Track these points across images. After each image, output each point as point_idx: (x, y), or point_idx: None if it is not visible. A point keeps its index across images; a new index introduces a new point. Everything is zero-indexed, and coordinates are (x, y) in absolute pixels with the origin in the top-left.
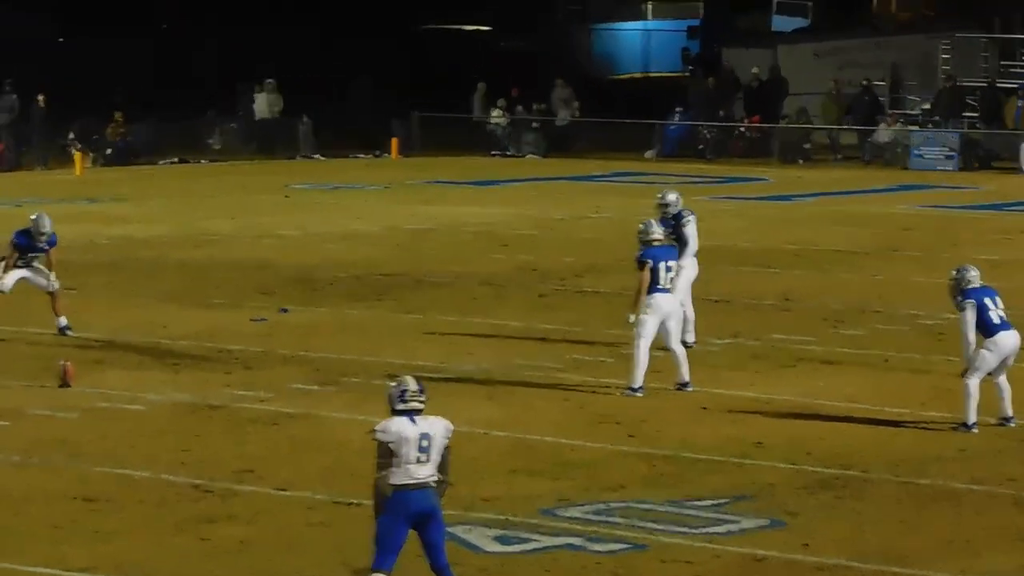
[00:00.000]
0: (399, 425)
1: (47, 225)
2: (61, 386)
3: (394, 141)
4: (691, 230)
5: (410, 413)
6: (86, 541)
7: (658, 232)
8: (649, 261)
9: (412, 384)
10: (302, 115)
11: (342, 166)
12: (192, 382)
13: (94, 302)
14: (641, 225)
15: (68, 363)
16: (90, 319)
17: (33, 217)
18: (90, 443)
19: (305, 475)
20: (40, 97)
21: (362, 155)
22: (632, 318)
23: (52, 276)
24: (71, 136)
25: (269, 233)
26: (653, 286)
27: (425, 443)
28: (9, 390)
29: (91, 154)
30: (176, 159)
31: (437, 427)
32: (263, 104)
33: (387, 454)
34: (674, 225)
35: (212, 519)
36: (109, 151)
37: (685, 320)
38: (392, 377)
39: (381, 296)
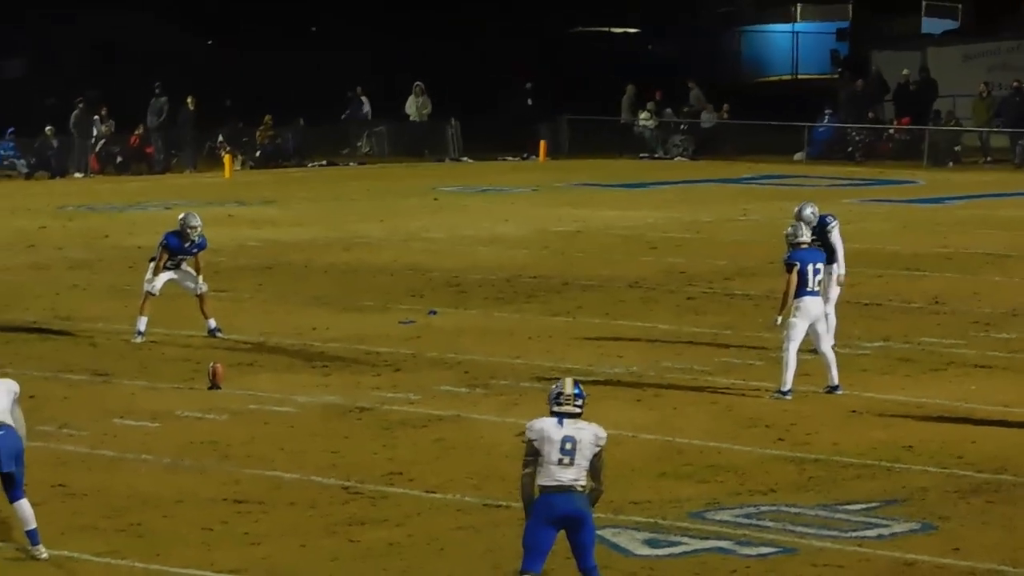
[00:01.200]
0: (544, 424)
1: (196, 220)
2: (211, 388)
3: (542, 144)
4: (836, 237)
5: (562, 416)
6: (236, 543)
7: (806, 235)
8: (797, 264)
9: (568, 387)
10: (450, 118)
11: (490, 169)
12: (342, 384)
13: (244, 305)
14: (789, 228)
15: (218, 365)
16: (240, 322)
17: (182, 216)
18: (240, 445)
19: (455, 478)
20: (189, 100)
21: (510, 158)
22: (779, 321)
23: (200, 279)
24: (220, 139)
25: (417, 236)
26: (801, 289)
27: (568, 446)
28: (160, 392)
29: (240, 157)
30: (324, 162)
31: (585, 433)
32: (412, 107)
33: (532, 452)
34: (819, 232)
35: (362, 521)
36: (258, 154)
37: (828, 324)
38: (540, 380)
39: (529, 299)
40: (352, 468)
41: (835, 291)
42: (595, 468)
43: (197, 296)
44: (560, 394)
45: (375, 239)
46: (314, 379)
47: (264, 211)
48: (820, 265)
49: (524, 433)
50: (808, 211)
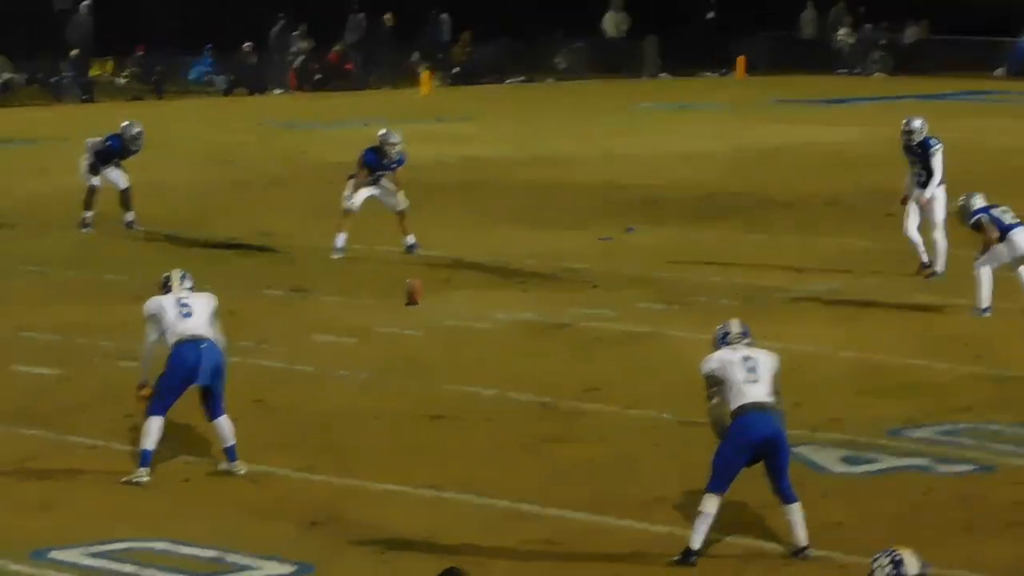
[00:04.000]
0: (718, 353)
1: (396, 138)
2: (408, 304)
3: (740, 60)
4: (938, 160)
5: None
6: (432, 459)
7: (978, 200)
8: (982, 214)
9: (735, 327)
10: (647, 34)
11: (688, 85)
12: (539, 301)
13: (442, 221)
14: (961, 200)
15: (416, 282)
16: (438, 238)
17: (382, 132)
18: (437, 361)
19: (651, 395)
20: (387, 16)
21: (708, 74)
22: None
23: (400, 195)
24: (417, 55)
25: (615, 153)
26: (1006, 227)
27: (750, 364)
28: (358, 308)
29: (437, 73)
30: (522, 78)
31: (760, 353)
32: (610, 23)
33: (715, 383)
34: (920, 153)
35: (558, 438)
36: (456, 70)
37: (938, 250)
38: (738, 297)
39: (726, 216)
40: (549, 385)
41: (941, 214)
42: (776, 390)
43: (396, 213)
44: (728, 334)
45: (572, 156)
46: (511, 296)
47: (461, 128)
48: (1003, 207)
49: (701, 371)
50: (917, 122)
